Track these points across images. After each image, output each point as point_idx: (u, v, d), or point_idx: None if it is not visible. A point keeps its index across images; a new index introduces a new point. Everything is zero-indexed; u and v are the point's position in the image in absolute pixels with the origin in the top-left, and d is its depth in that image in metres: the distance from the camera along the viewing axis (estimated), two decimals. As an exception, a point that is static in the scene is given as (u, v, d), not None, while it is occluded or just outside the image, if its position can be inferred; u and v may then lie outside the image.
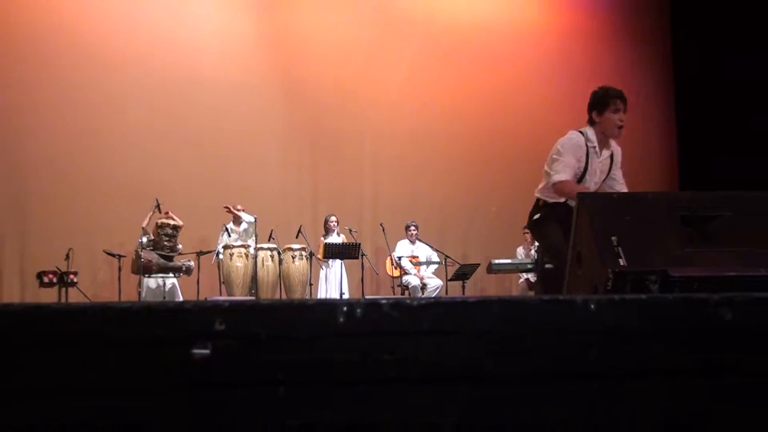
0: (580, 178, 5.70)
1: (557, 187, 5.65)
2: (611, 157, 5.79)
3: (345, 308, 1.27)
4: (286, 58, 13.08)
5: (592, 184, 5.68)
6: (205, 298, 10.66)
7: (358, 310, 1.28)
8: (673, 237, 4.15)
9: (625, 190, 5.91)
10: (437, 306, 1.32)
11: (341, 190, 13.04)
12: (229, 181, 12.13)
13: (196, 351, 1.20)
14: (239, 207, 11.38)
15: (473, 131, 13.41)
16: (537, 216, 5.80)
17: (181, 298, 10.76)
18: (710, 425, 1.43)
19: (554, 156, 5.73)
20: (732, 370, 1.43)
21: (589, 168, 5.65)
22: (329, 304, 1.26)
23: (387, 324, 1.28)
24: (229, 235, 11.33)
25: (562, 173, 5.65)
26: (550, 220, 5.69)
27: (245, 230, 11.45)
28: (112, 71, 12.06)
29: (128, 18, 12.31)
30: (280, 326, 1.25)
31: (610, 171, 5.81)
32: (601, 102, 5.63)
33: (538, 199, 5.81)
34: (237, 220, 11.40)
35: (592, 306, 1.39)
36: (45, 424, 1.23)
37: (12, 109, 11.54)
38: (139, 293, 10.75)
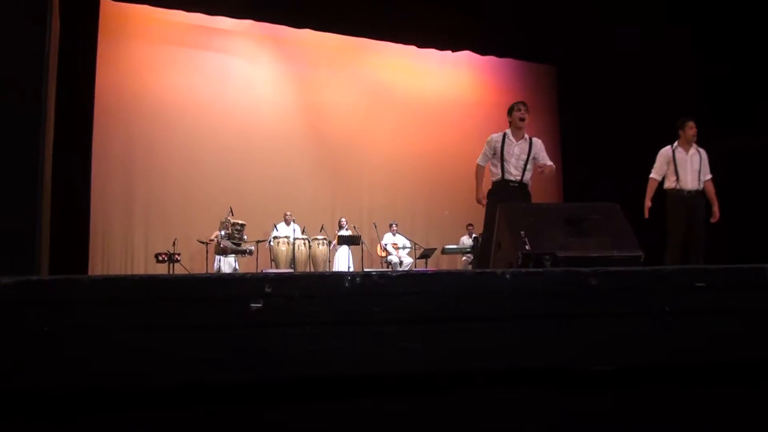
0: (501, 157, 5.93)
1: (476, 167, 6.01)
2: (529, 144, 5.96)
3: (349, 277, 1.27)
4: (314, 119, 13.19)
5: (513, 159, 5.93)
6: (261, 271, 10.69)
7: (357, 279, 1.28)
8: (560, 231, 4.17)
9: (548, 163, 6.05)
10: (408, 276, 1.32)
11: (349, 202, 13.12)
12: (278, 196, 12.22)
13: (252, 305, 1.21)
14: (288, 213, 11.57)
15: (434, 166, 13.57)
16: (489, 192, 6.03)
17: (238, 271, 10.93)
18: (577, 347, 1.45)
19: (484, 147, 6.07)
20: (596, 316, 1.44)
21: (504, 150, 5.90)
22: (339, 275, 1.27)
23: (376, 287, 1.28)
24: (277, 230, 11.42)
25: (480, 160, 6.18)
26: (494, 195, 5.89)
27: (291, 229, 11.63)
28: (204, 126, 12.15)
29: (217, 93, 12.47)
30: (307, 289, 1.25)
31: (531, 154, 5.96)
32: (511, 108, 5.98)
33: (492, 181, 6.05)
34: (288, 222, 11.57)
35: (508, 276, 1.40)
36: (163, 347, 1.24)
37: (140, 149, 11.64)
38: (219, 268, 10.85)
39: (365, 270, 11.59)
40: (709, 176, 7.00)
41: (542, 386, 1.47)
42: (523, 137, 5.96)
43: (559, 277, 1.43)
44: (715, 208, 6.95)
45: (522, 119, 5.92)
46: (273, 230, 11.45)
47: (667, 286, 1.52)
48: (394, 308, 1.28)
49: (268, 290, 1.20)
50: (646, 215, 6.92)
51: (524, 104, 6.04)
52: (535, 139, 6.03)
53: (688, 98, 10.15)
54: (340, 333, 1.24)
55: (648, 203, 6.98)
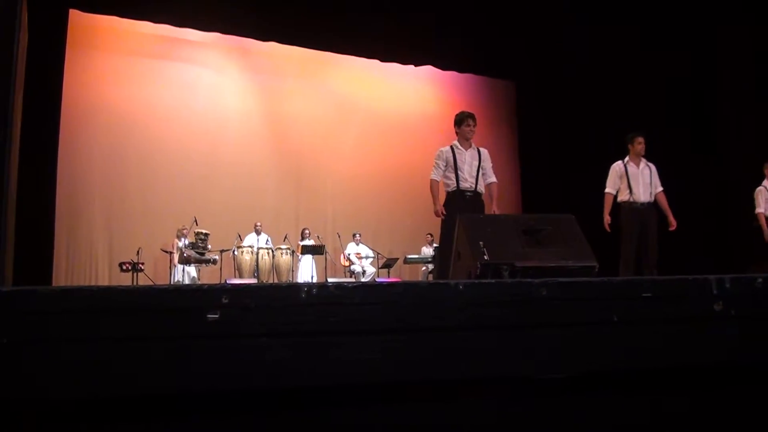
0: (456, 168, 5.93)
1: (430, 183, 5.99)
2: (478, 153, 5.99)
3: (305, 288, 1.27)
4: (278, 130, 13.16)
5: (465, 167, 5.98)
6: (225, 281, 10.61)
7: (314, 290, 1.28)
8: (517, 242, 4.21)
9: (492, 179, 6.11)
10: (363, 287, 1.32)
11: (313, 212, 13.07)
12: (243, 206, 12.12)
13: (209, 315, 1.20)
14: (258, 224, 11.47)
15: (396, 177, 13.51)
16: (444, 203, 6.01)
17: (196, 281, 10.84)
18: (527, 356, 1.46)
19: (434, 163, 6.03)
20: (545, 325, 1.45)
21: (457, 160, 5.91)
22: (295, 286, 1.27)
23: (332, 298, 1.28)
24: (241, 239, 11.32)
25: (434, 175, 6.12)
26: (450, 205, 5.89)
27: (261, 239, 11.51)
28: (170, 136, 12.06)
29: (183, 104, 12.38)
30: (263, 300, 1.24)
31: (480, 161, 6.00)
32: (460, 120, 6.04)
33: (446, 192, 6.03)
34: (258, 233, 11.46)
35: (461, 287, 1.41)
36: (121, 358, 1.22)
37: (106, 159, 11.53)
38: (179, 279, 10.74)
39: (330, 280, 11.56)
40: (660, 189, 7.13)
41: (496, 395, 1.49)
42: (471, 146, 6.06)
43: (510, 287, 1.45)
44: (671, 218, 7.06)
45: (469, 135, 6.06)
46: (236, 239, 11.35)
47: (616, 297, 1.54)
48: (351, 319, 1.28)
49: (225, 301, 1.19)
50: (608, 229, 7.00)
51: (473, 117, 6.14)
52: (482, 149, 6.12)
53: (641, 112, 10.33)
54: (297, 344, 1.24)
55: (608, 218, 7.06)
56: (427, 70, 14.12)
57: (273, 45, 12.71)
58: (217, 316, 1.18)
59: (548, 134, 13.39)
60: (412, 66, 13.91)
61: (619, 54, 11.41)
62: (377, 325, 1.31)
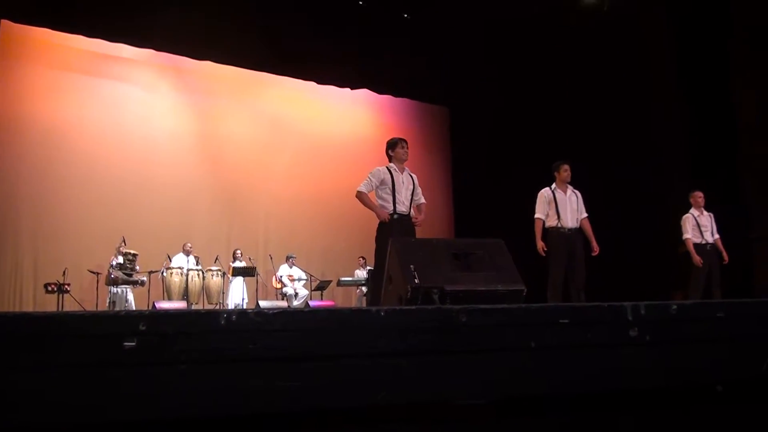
0: (394, 190, 5.95)
1: (358, 195, 6.03)
2: (411, 178, 6.02)
3: (225, 315, 1.27)
4: (212, 150, 13.00)
5: (403, 190, 5.96)
6: (153, 303, 10.39)
7: (234, 316, 1.27)
8: (448, 266, 4.26)
9: (423, 200, 6.19)
10: (285, 313, 1.32)
11: (245, 233, 12.93)
12: (174, 226, 11.90)
13: (126, 343, 1.18)
14: (188, 244, 11.23)
15: (330, 199, 13.40)
16: (379, 226, 5.93)
17: (132, 303, 10.51)
18: (448, 382, 1.48)
19: (366, 178, 5.99)
20: (464, 351, 1.48)
21: (395, 182, 5.87)
22: (214, 312, 1.26)
23: (252, 325, 1.28)
24: (171, 261, 11.07)
25: (363, 188, 6.01)
26: (384, 228, 5.83)
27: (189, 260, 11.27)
28: (99, 154, 11.80)
29: (114, 121, 12.12)
30: (182, 326, 1.23)
31: (414, 188, 6.01)
32: (393, 144, 6.08)
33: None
34: (187, 254, 11.20)
35: (382, 313, 1.42)
36: (33, 387, 1.19)
37: (31, 175, 11.21)
38: (109, 298, 10.45)
39: (260, 303, 11.44)
40: (585, 215, 7.30)
41: (417, 422, 1.50)
42: (404, 170, 6.12)
43: (431, 314, 1.47)
44: (594, 244, 7.23)
45: (404, 156, 6.13)
46: (166, 260, 11.13)
47: (533, 323, 1.58)
48: (271, 346, 1.27)
49: (142, 328, 1.17)
50: (543, 254, 7.10)
51: (405, 141, 6.25)
52: (413, 174, 6.19)
53: (571, 139, 10.61)
54: (215, 371, 1.23)
55: (541, 243, 7.16)
56: (363, 93, 14.21)
57: (207, 64, 12.61)
58: (133, 343, 1.17)
59: (480, 159, 13.63)
60: (348, 89, 13.98)
61: (551, 82, 11.71)
62: (297, 352, 1.31)
